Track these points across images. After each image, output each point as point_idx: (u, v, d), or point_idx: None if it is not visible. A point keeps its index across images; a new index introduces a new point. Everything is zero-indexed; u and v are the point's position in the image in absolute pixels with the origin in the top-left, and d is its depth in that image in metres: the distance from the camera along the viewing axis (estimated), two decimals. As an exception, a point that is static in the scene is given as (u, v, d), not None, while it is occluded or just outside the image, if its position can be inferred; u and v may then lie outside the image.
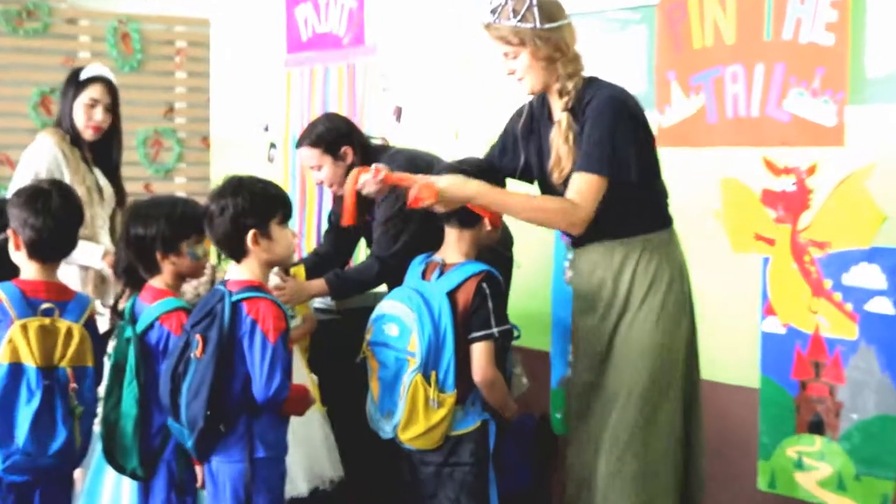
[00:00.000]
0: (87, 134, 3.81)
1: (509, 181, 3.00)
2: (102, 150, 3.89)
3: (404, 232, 3.45)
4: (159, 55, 6.02)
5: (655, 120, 3.52)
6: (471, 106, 4.34)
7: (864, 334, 3.14)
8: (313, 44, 5.28)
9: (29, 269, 2.74)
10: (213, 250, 2.79)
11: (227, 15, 5.99)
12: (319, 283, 3.49)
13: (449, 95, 4.46)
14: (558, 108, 2.85)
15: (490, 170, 2.94)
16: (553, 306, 3.86)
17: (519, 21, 2.75)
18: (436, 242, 2.95)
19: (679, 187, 3.01)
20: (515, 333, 2.89)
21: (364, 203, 3.58)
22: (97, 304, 3.57)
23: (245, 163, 5.50)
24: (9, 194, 3.02)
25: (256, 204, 2.62)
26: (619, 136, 2.71)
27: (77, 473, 2.82)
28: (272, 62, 5.55)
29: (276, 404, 2.56)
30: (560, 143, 2.81)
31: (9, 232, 2.74)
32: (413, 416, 2.76)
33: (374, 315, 2.90)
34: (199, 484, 2.73)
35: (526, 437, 3.78)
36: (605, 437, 2.81)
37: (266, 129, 5.63)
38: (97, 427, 2.72)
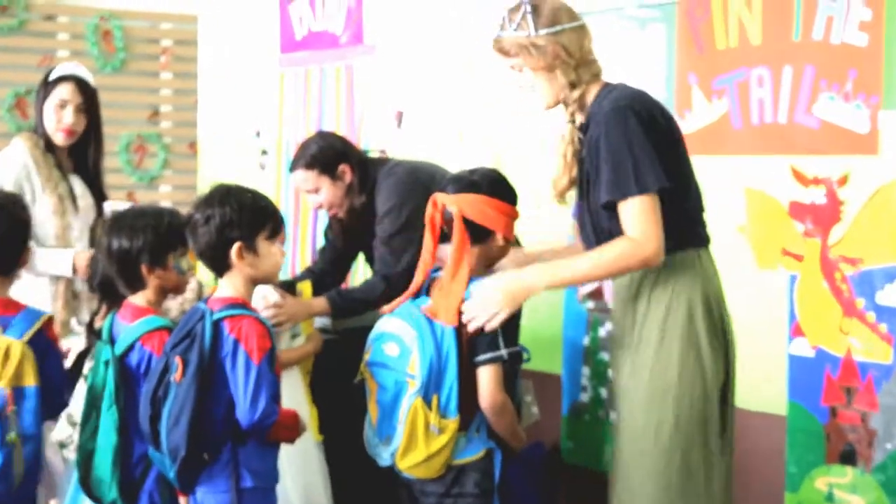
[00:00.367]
0: (58, 138, 3.81)
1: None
2: (81, 156, 3.91)
3: (409, 248, 3.46)
4: (143, 54, 6.03)
5: (675, 126, 3.52)
6: (475, 110, 4.34)
7: (899, 357, 3.15)
8: (309, 43, 5.28)
9: None
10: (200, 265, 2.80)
11: (217, 11, 5.99)
12: (321, 302, 3.51)
13: (452, 98, 4.47)
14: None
15: (500, 181, 2.95)
16: (564, 326, 3.86)
17: (515, 30, 2.74)
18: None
19: (700, 199, 3.01)
20: (525, 356, 2.89)
21: (364, 219, 3.61)
22: (73, 321, 3.60)
23: (234, 170, 5.49)
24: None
25: (244, 215, 2.63)
26: (636, 147, 2.63)
27: (51, 505, 2.83)
28: (264, 62, 5.56)
29: (263, 430, 2.57)
30: (558, 157, 2.80)
31: None
32: (412, 442, 2.76)
33: (373, 333, 2.90)
34: (182, 516, 2.73)
35: (534, 468, 3.76)
36: (618, 490, 2.78)
37: (257, 134, 5.63)
38: (72, 455, 2.73)
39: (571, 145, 2.81)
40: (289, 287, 3.54)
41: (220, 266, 2.67)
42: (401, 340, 2.79)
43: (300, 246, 5.28)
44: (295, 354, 3.39)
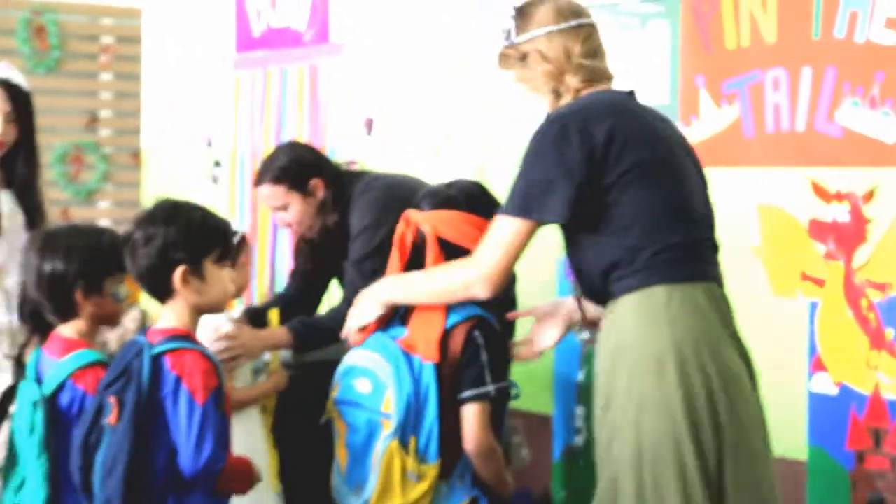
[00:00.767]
0: None
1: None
2: (10, 170, 3.85)
3: (382, 272, 3.43)
4: (81, 53, 6.06)
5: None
6: (455, 116, 4.36)
7: (933, 396, 3.18)
8: (268, 41, 5.30)
9: None
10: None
11: (163, 5, 6.02)
12: (281, 333, 3.52)
13: (429, 104, 4.49)
14: None
15: (479, 195, 2.98)
16: (556, 361, 3.86)
17: (505, 40, 2.78)
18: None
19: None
20: (514, 392, 2.90)
21: (337, 239, 3.57)
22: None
23: (183, 184, 5.51)
24: None
25: (191, 235, 2.62)
26: (538, 169, 2.59)
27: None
28: (217, 62, 5.57)
29: (210, 479, 2.55)
30: None
31: None
32: (387, 491, 2.74)
33: (341, 368, 2.90)
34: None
35: (523, 518, 3.78)
36: None
37: (209, 143, 5.65)
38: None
39: None
40: (257, 315, 3.55)
41: (161, 292, 2.65)
42: (374, 375, 2.80)
43: (257, 269, 5.27)
44: (253, 393, 3.39)
